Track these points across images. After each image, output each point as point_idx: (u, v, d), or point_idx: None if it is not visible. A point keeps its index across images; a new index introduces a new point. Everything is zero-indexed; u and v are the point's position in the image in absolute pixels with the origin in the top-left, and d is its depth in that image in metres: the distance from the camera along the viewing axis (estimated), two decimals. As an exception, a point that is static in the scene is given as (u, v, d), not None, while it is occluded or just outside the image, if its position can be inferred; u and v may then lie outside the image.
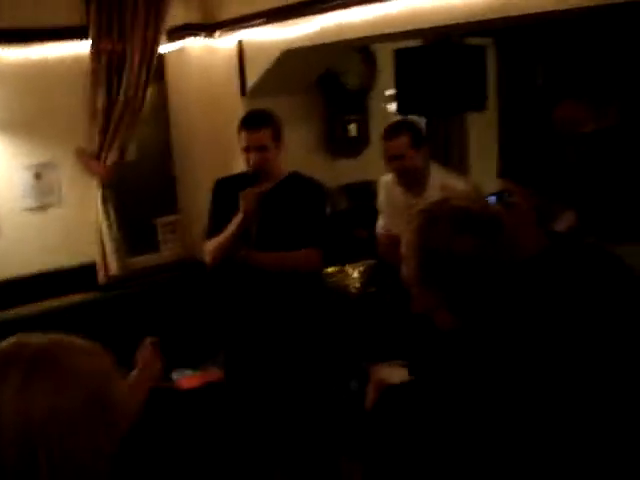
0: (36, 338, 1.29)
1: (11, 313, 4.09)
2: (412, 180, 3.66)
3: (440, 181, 3.63)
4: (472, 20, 3.32)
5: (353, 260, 5.22)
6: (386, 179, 3.90)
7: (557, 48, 5.29)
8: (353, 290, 5.20)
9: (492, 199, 2.61)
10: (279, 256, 3.45)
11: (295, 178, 3.58)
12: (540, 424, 1.46)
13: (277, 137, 3.46)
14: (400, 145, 3.57)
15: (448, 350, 1.56)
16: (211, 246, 3.53)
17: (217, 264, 3.56)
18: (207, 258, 3.57)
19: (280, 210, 3.47)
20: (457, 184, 3.64)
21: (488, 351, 1.51)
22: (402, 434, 1.49)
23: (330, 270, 5.03)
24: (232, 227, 3.40)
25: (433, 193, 3.56)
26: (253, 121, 3.45)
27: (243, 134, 3.43)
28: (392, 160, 3.62)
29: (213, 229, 3.55)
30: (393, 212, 3.82)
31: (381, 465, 1.52)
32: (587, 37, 5.02)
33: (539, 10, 3.03)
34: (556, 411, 1.48)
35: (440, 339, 1.61)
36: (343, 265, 5.20)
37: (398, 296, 3.96)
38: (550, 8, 2.99)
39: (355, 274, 5.26)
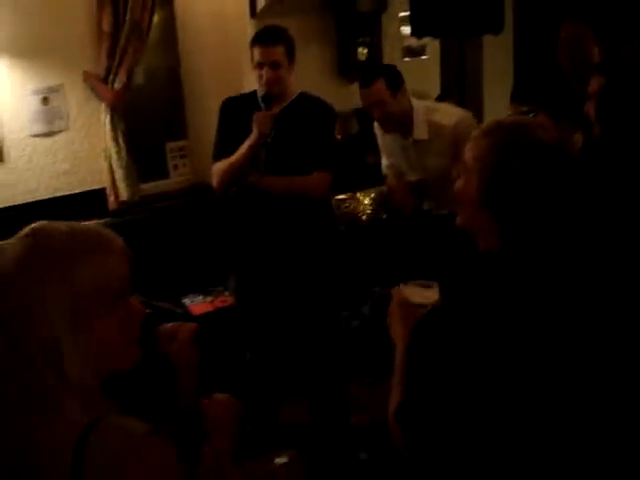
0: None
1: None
2: (396, 124, 3.58)
3: (427, 120, 3.58)
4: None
5: (364, 186, 5.18)
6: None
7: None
8: (364, 217, 5.18)
9: None
10: (288, 180, 3.41)
11: (304, 99, 3.51)
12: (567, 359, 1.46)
13: (290, 55, 3.38)
14: (377, 91, 3.47)
15: (487, 271, 1.55)
16: (220, 169, 3.47)
17: (225, 188, 3.52)
18: (215, 180, 3.52)
19: (289, 133, 3.41)
20: (446, 118, 3.58)
21: (528, 277, 1.50)
22: (444, 359, 1.49)
23: (341, 197, 5.00)
24: (243, 149, 3.34)
25: (420, 131, 3.57)
26: (267, 36, 3.35)
27: (256, 49, 3.34)
28: (371, 107, 3.54)
29: (221, 149, 3.49)
30: (391, 153, 3.80)
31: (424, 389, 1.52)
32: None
33: None
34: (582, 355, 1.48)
35: (476, 260, 1.60)
36: (354, 192, 5.16)
37: (409, 221, 3.98)
38: None
39: (366, 200, 5.23)
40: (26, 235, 1.26)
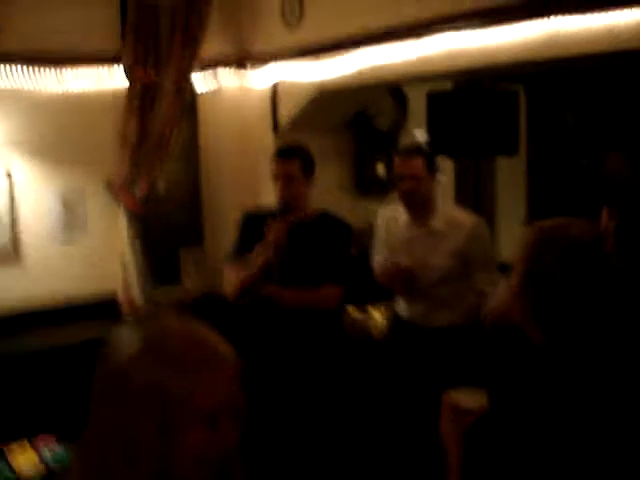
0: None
1: (35, 342, 4.07)
2: (420, 205, 3.55)
3: (446, 213, 3.57)
4: (507, 61, 3.32)
5: (376, 301, 5.17)
6: (384, 212, 3.80)
7: (587, 96, 5.27)
8: (375, 332, 5.14)
9: None
10: (300, 293, 3.42)
11: (324, 218, 3.56)
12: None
13: (307, 170, 3.45)
14: (416, 165, 3.48)
15: (532, 368, 1.59)
16: (233, 276, 3.48)
17: (238, 297, 3.51)
18: (227, 288, 3.52)
19: (305, 247, 3.45)
20: (464, 217, 3.59)
21: (573, 373, 1.53)
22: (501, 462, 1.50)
23: (352, 310, 4.98)
24: (255, 258, 3.37)
25: (438, 221, 3.53)
26: (285, 151, 3.49)
27: (275, 163, 3.45)
28: (404, 179, 3.51)
29: (234, 255, 3.53)
30: (394, 245, 3.69)
31: None
32: (619, 85, 5.00)
33: (580, 51, 3.01)
34: None
35: (521, 362, 1.64)
36: (365, 305, 5.15)
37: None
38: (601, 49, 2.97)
39: (378, 315, 5.20)
40: (144, 337, 1.25)
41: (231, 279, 3.51)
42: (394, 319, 3.94)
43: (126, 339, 1.25)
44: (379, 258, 3.78)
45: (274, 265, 3.39)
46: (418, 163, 3.48)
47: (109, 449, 1.21)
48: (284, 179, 3.41)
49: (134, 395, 1.20)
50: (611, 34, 2.90)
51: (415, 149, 3.64)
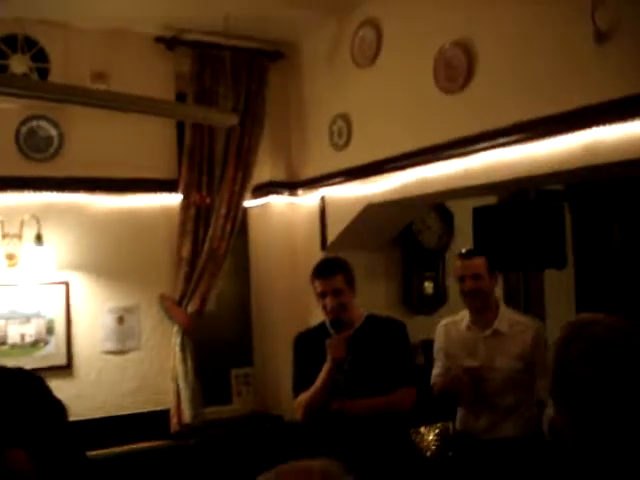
0: None
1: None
2: (482, 305, 3.60)
3: (509, 315, 3.62)
4: (552, 171, 3.38)
5: (429, 421, 5.05)
6: (444, 322, 3.85)
7: (634, 207, 5.31)
8: (428, 453, 5.00)
9: None
10: (374, 400, 3.37)
11: (373, 319, 3.57)
12: None
13: (350, 282, 3.49)
14: (478, 265, 3.59)
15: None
16: (302, 400, 3.47)
17: (310, 419, 3.48)
18: (298, 413, 3.49)
19: (365, 354, 3.43)
20: (527, 320, 3.65)
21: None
22: None
23: (405, 431, 4.87)
24: (322, 376, 3.35)
25: (503, 323, 3.57)
26: (326, 268, 3.50)
27: (317, 282, 3.46)
28: (466, 279, 3.60)
29: (300, 383, 3.50)
30: (456, 351, 3.70)
31: None
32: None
33: (621, 158, 3.07)
34: None
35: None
36: (418, 426, 5.03)
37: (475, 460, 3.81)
38: (632, 156, 3.02)
39: (431, 436, 5.07)
40: None
41: (299, 404, 3.50)
42: (454, 435, 3.86)
43: None
44: (439, 370, 3.78)
45: (341, 380, 3.39)
46: (479, 262, 3.61)
47: None
48: (331, 294, 3.44)
49: None
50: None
51: (475, 250, 3.80)
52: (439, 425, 5.07)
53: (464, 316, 3.71)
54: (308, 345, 3.56)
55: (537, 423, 3.24)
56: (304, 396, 3.44)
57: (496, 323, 3.59)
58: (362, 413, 3.34)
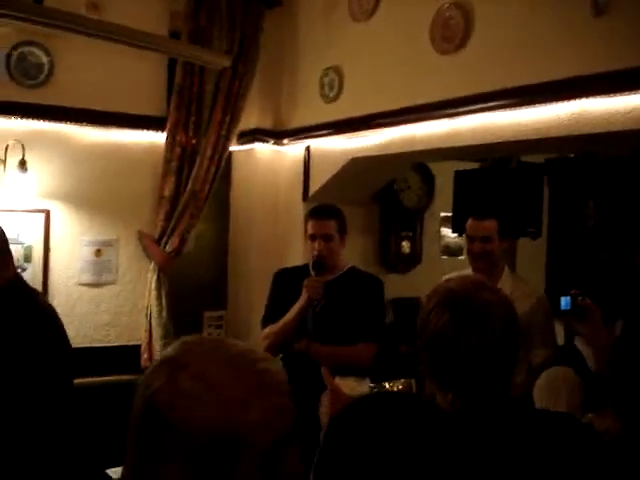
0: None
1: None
2: (487, 267, 3.62)
3: (513, 280, 3.65)
4: (538, 137, 3.44)
5: (393, 377, 5.15)
6: (448, 277, 3.84)
7: (610, 187, 5.39)
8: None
9: (566, 299, 2.66)
10: (334, 349, 3.44)
11: (354, 272, 3.64)
12: None
13: (342, 230, 3.55)
14: (489, 227, 3.63)
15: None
16: (269, 332, 3.54)
17: (274, 352, 3.54)
18: (263, 343, 3.57)
19: (339, 303, 3.50)
20: (531, 288, 3.69)
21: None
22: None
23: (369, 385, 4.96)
24: (293, 312, 3.43)
25: (505, 286, 3.54)
26: (321, 211, 3.58)
27: (311, 223, 3.54)
28: (475, 241, 3.64)
29: (271, 315, 3.58)
30: None
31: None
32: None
33: (609, 129, 3.13)
34: None
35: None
36: (382, 381, 5.12)
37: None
38: (623, 128, 3.08)
39: (395, 391, 5.17)
40: (181, 365, 1.04)
41: (267, 335, 3.57)
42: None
43: (158, 371, 1.05)
44: None
45: (310, 321, 3.46)
46: (490, 225, 3.63)
47: None
48: (321, 238, 3.51)
49: (182, 432, 0.98)
50: (633, 114, 3.02)
51: (488, 211, 3.77)
52: (402, 381, 5.17)
53: (469, 274, 3.68)
54: (287, 282, 3.63)
55: (526, 389, 3.29)
56: (272, 328, 3.52)
57: (498, 286, 3.60)
58: (322, 358, 3.41)
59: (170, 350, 1.08)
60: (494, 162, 5.06)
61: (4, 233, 2.60)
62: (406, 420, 1.59)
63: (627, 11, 2.97)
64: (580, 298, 2.80)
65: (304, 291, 3.41)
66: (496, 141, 3.65)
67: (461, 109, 3.73)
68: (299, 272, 3.61)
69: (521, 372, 3.46)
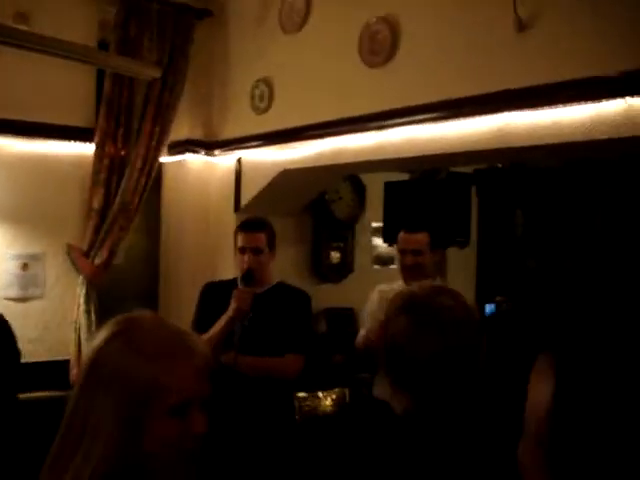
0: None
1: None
2: (420, 280, 3.64)
3: None
4: (464, 150, 3.52)
5: (327, 386, 5.18)
6: (380, 289, 3.91)
7: (537, 196, 5.55)
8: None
9: (491, 306, 2.74)
10: (262, 360, 3.44)
11: (282, 287, 3.66)
12: None
13: (271, 244, 3.56)
14: (420, 240, 3.69)
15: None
16: None
17: None
18: None
19: (266, 316, 3.51)
20: None
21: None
22: None
23: (302, 395, 4.97)
24: (220, 324, 3.41)
25: None
26: (251, 225, 3.58)
27: (240, 236, 3.53)
28: (407, 254, 3.69)
29: (199, 327, 3.54)
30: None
31: None
32: (568, 189, 5.29)
33: (532, 143, 3.22)
34: None
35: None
36: (316, 390, 5.15)
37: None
38: (545, 142, 3.18)
39: (328, 401, 5.20)
40: (114, 329, 1.29)
41: None
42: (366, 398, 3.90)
43: (99, 334, 1.28)
44: (364, 332, 3.82)
45: (237, 333, 3.45)
46: (421, 238, 3.69)
47: (75, 430, 1.24)
48: (250, 251, 3.51)
49: (103, 381, 1.22)
50: (555, 127, 3.13)
51: (420, 225, 3.82)
52: (336, 391, 5.21)
53: (400, 286, 3.72)
54: (215, 294, 3.62)
55: None
56: None
57: None
58: (249, 370, 3.42)
59: (115, 320, 1.30)
60: (423, 173, 5.15)
61: None
62: (362, 424, 1.63)
63: (549, 27, 3.07)
64: (504, 305, 2.88)
65: (232, 302, 3.41)
66: (424, 154, 3.73)
67: (389, 122, 3.79)
68: (227, 286, 3.60)
69: None
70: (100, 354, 1.24)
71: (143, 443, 1.20)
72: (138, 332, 1.26)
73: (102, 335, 1.27)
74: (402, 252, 3.75)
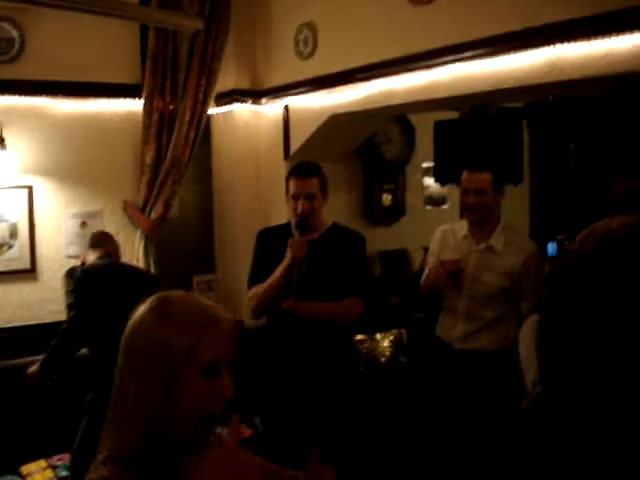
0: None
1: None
2: (482, 220, 3.62)
3: (507, 234, 3.62)
4: (516, 85, 3.45)
5: (384, 328, 5.22)
6: (443, 228, 3.86)
7: (589, 128, 5.42)
8: (382, 359, 5.18)
9: (553, 245, 2.71)
10: (322, 306, 3.46)
11: (336, 229, 3.65)
12: None
13: (324, 188, 3.54)
14: (484, 179, 3.59)
15: None
16: (256, 292, 3.55)
17: (261, 312, 3.58)
18: (250, 303, 3.59)
19: (323, 260, 3.51)
20: (524, 242, 3.65)
21: None
22: None
23: (360, 337, 5.02)
24: (278, 272, 3.44)
25: (498, 241, 3.57)
26: (303, 170, 3.54)
27: (292, 182, 3.51)
28: (469, 193, 3.61)
29: (257, 276, 3.58)
30: (446, 257, 3.67)
31: None
32: (620, 120, 5.15)
33: (586, 74, 3.14)
34: None
35: None
36: (373, 333, 5.19)
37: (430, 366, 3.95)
38: (598, 73, 3.10)
39: (385, 342, 5.25)
40: (150, 305, 1.42)
41: (253, 295, 3.59)
42: (432, 339, 3.88)
43: (137, 311, 1.42)
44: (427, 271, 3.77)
45: (295, 280, 3.48)
46: (484, 177, 3.59)
47: (121, 399, 1.38)
48: (304, 197, 3.50)
49: (141, 352, 1.37)
50: (608, 57, 3.04)
51: (483, 164, 3.71)
52: (394, 332, 5.25)
53: (463, 225, 3.72)
54: (270, 241, 3.62)
55: (515, 339, 3.34)
56: (258, 288, 3.53)
57: (492, 239, 3.59)
58: (310, 315, 3.45)
59: (150, 298, 1.43)
60: (473, 110, 5.07)
61: None
62: None
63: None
64: (567, 242, 2.85)
65: (288, 251, 3.42)
66: (474, 91, 3.66)
67: (438, 60, 3.73)
68: (282, 231, 3.61)
69: (513, 320, 3.55)
70: (138, 328, 1.38)
71: (178, 409, 1.34)
72: (170, 307, 1.39)
73: (139, 311, 1.41)
74: (464, 191, 3.66)
